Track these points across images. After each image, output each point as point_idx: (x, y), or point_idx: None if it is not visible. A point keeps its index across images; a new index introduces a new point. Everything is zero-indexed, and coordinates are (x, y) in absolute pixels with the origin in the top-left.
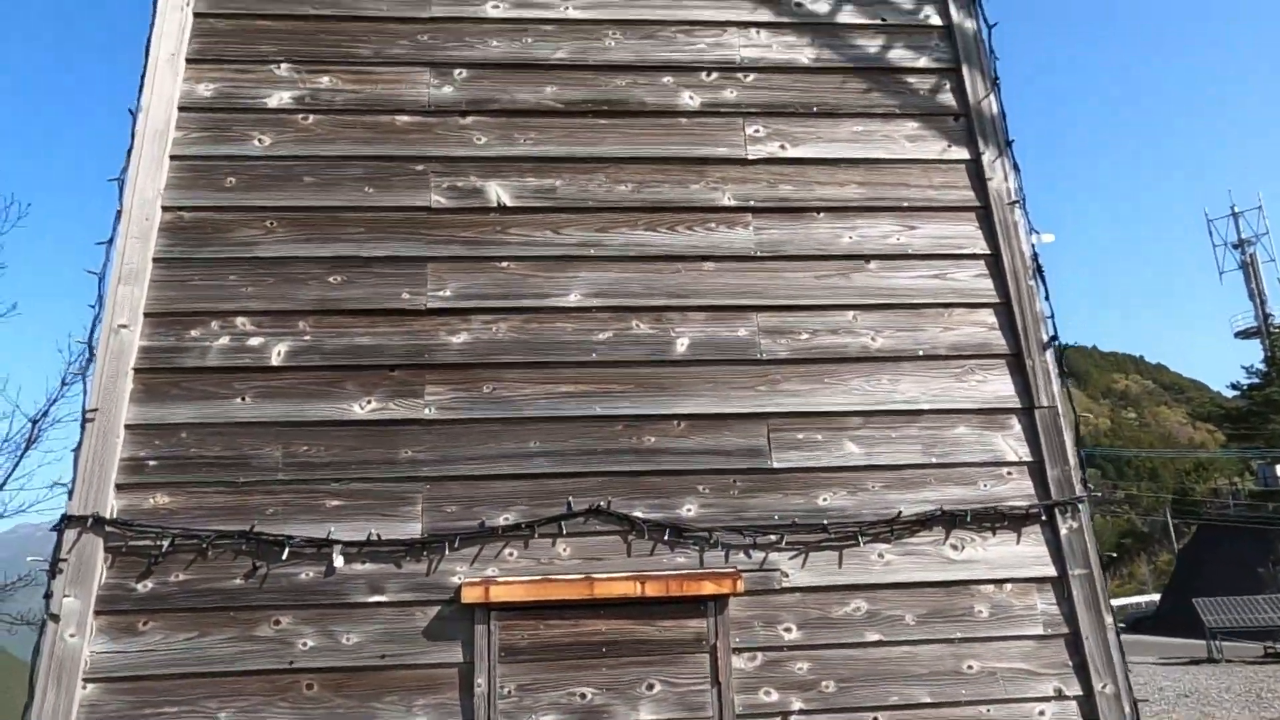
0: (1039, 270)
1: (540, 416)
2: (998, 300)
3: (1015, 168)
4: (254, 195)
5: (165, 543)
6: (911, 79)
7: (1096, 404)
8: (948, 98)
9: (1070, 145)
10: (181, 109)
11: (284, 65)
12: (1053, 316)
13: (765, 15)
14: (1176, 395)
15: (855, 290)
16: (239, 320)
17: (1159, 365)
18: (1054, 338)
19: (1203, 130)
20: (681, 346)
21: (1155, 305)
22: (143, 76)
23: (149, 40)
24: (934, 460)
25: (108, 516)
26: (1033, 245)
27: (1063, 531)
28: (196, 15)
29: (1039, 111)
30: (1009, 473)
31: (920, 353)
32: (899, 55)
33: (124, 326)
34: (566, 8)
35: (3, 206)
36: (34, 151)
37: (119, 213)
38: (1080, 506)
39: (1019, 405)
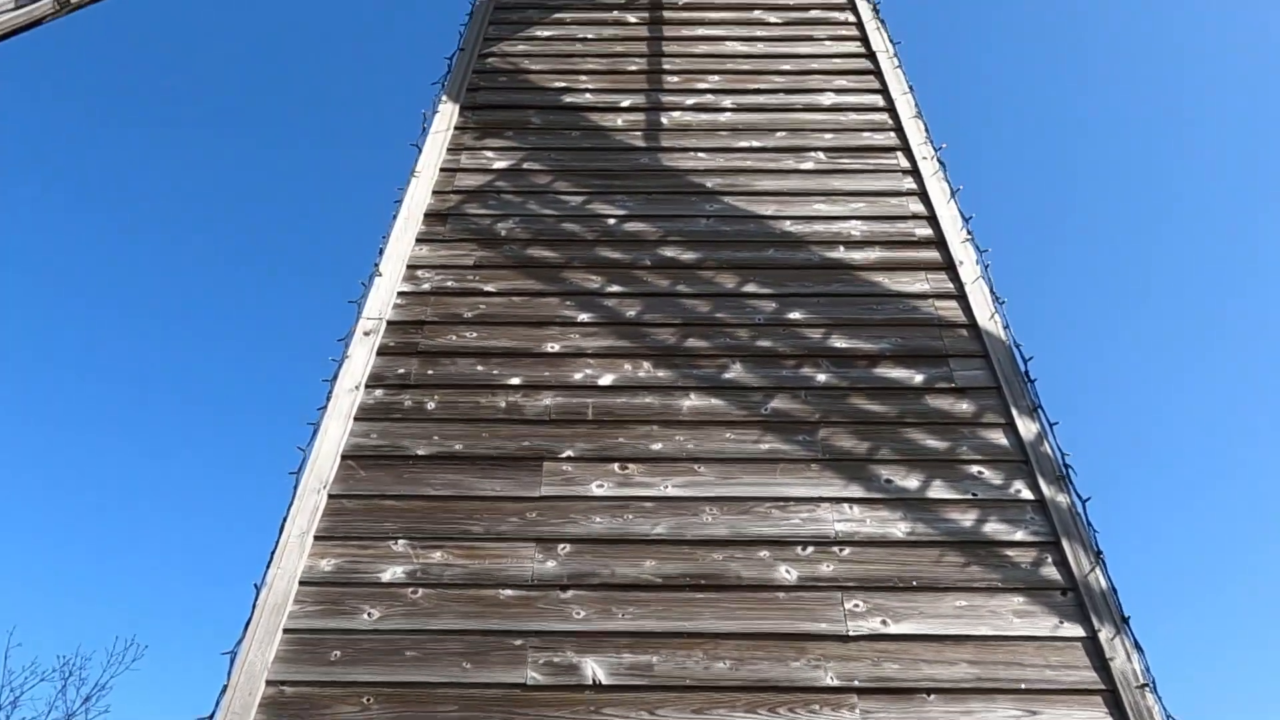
0: None
1: None
2: None
3: (1137, 646)
4: (356, 670)
5: None
6: (1010, 552)
7: None
8: (1051, 571)
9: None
10: (302, 583)
11: (401, 541)
12: None
13: (857, 491)
14: None
15: None
16: None
17: None
18: None
19: None
20: None
21: None
22: (272, 553)
23: (284, 520)
24: None
25: None
26: None
27: None
28: (330, 496)
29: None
30: None
31: None
32: (994, 529)
33: None
34: (666, 485)
35: (121, 648)
36: (159, 601)
37: (225, 687)
38: None
39: None
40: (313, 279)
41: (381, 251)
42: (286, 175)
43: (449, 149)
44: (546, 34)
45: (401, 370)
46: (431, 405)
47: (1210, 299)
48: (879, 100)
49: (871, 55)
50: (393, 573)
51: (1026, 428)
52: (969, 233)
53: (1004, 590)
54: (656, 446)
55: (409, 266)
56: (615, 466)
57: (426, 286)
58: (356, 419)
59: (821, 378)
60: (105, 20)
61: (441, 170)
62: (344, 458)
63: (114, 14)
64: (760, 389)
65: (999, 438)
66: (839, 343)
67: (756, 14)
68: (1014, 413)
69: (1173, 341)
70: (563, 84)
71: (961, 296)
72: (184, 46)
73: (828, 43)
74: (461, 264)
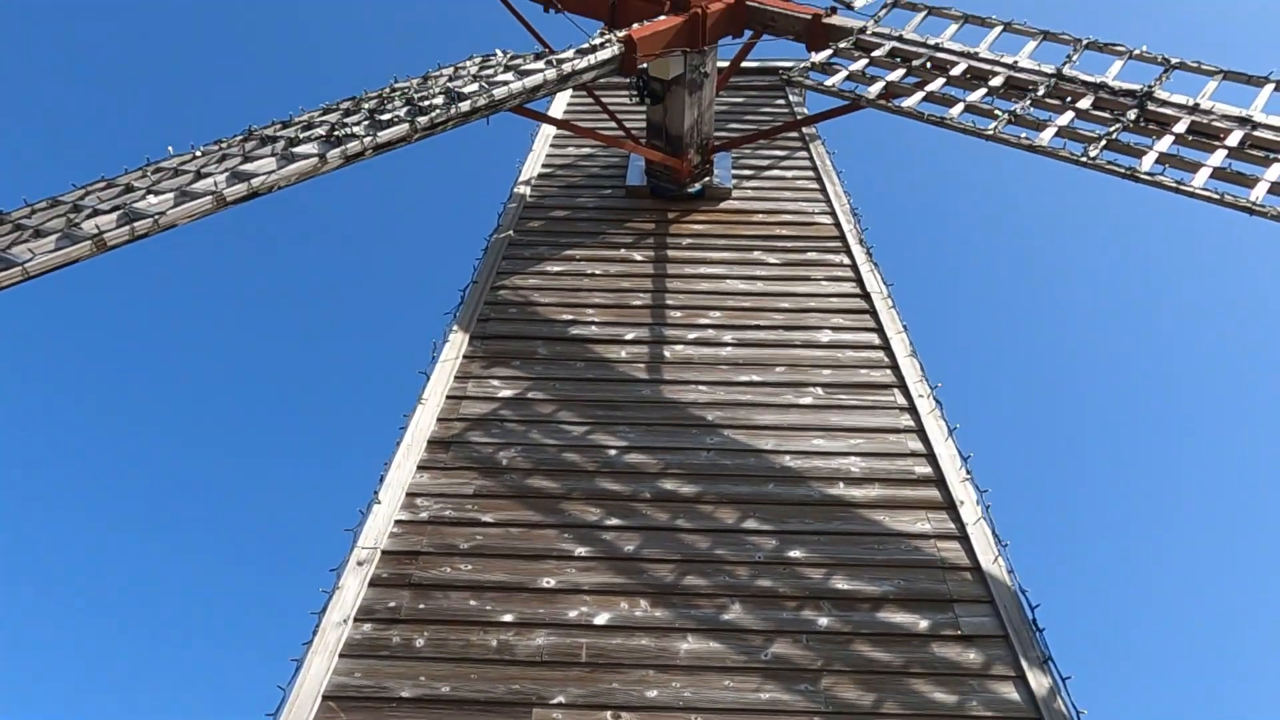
0: None
1: None
2: None
3: None
4: None
5: None
6: None
7: None
8: None
9: None
10: None
11: None
12: None
13: None
14: None
15: None
16: None
17: None
18: None
19: None
20: None
21: None
22: None
23: None
24: None
25: None
26: None
27: None
28: None
29: None
30: None
31: None
32: None
33: None
34: None
35: None
36: None
37: None
38: None
39: None
40: (306, 505)
41: (382, 479)
42: (290, 398)
43: (456, 377)
44: (557, 269)
45: (392, 604)
46: (420, 642)
47: (1239, 526)
48: (874, 338)
49: (866, 295)
50: None
51: (1038, 682)
52: (968, 472)
53: None
54: (652, 694)
55: (408, 494)
56: (608, 715)
57: (424, 515)
58: (342, 655)
59: (823, 621)
60: (137, 254)
61: (448, 398)
62: (325, 698)
63: (146, 250)
64: (760, 632)
65: (1010, 692)
66: (841, 584)
67: (756, 255)
68: (1024, 664)
69: (1196, 587)
70: (570, 316)
71: (964, 538)
72: (196, 257)
73: (824, 283)
74: (461, 493)
